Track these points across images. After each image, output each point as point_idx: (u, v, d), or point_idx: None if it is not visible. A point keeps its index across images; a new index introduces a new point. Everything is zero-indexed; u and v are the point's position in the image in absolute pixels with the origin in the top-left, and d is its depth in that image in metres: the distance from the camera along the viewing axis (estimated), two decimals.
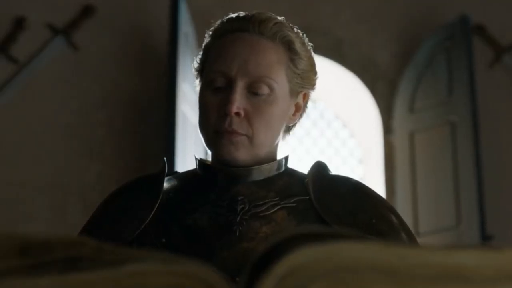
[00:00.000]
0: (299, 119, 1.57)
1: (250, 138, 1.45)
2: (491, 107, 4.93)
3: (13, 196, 4.45)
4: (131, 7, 4.79)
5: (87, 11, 4.73)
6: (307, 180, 1.50)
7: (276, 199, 1.46)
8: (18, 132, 4.56)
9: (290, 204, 1.46)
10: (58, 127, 4.59)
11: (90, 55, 4.70)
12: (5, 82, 4.60)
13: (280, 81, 1.48)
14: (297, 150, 5.24)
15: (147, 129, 4.64)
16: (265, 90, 1.46)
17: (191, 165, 1.58)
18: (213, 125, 1.45)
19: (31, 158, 4.52)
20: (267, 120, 1.46)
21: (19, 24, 4.65)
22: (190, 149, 4.12)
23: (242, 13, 1.53)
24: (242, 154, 1.45)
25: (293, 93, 1.51)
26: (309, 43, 1.56)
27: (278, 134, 1.50)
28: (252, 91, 1.45)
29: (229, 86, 1.45)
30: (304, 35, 1.56)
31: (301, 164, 5.08)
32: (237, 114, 1.44)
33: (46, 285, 0.58)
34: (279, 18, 1.53)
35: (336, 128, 5.35)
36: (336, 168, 5.16)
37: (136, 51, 4.75)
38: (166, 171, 1.52)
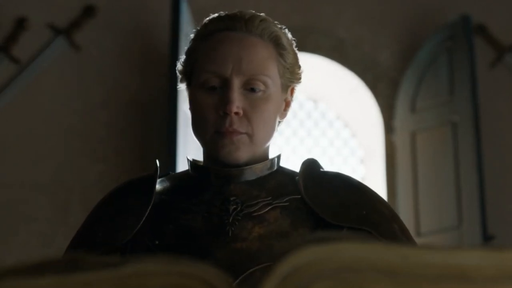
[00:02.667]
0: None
1: (250, 136, 1.45)
2: (493, 107, 4.93)
3: (14, 196, 4.45)
4: (133, 7, 4.79)
5: (88, 11, 4.73)
6: (297, 178, 1.50)
7: (269, 198, 1.46)
8: (20, 132, 4.56)
9: (283, 203, 1.46)
10: (59, 127, 4.59)
11: (91, 55, 4.70)
12: (7, 83, 4.61)
13: (273, 77, 1.48)
14: (298, 150, 5.24)
15: (149, 129, 4.64)
16: (260, 86, 1.46)
17: None
18: (212, 126, 1.45)
19: (32, 158, 4.53)
20: (265, 117, 1.46)
21: (20, 24, 4.65)
22: (191, 149, 4.13)
23: (223, 13, 1.53)
24: (243, 153, 1.45)
25: (284, 88, 1.52)
26: (292, 38, 1.56)
27: (274, 130, 1.51)
28: (247, 88, 1.46)
29: (225, 86, 1.45)
30: (286, 29, 1.56)
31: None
32: (236, 113, 1.44)
33: (47, 285, 0.58)
34: (262, 14, 1.53)
35: (337, 128, 5.35)
36: (337, 168, 5.16)
37: (138, 51, 4.76)
38: (158, 173, 1.52)
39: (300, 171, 1.52)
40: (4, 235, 4.41)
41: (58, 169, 4.53)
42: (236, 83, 1.45)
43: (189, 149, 4.13)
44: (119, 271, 0.59)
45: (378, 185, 4.85)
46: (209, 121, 1.45)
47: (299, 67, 1.56)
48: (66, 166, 4.55)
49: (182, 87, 1.56)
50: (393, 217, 1.49)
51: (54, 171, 4.53)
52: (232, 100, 1.43)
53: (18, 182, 4.48)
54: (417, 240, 1.63)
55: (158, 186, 1.51)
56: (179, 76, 1.55)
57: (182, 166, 3.95)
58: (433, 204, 4.67)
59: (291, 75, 1.53)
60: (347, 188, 1.50)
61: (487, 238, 4.36)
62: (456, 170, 4.59)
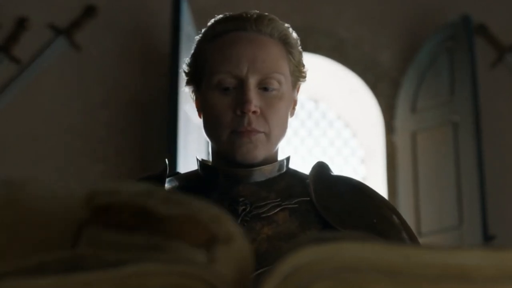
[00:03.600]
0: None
1: (268, 135, 1.46)
2: (493, 107, 4.93)
3: None
4: (133, 7, 4.79)
5: (89, 11, 4.73)
6: (308, 180, 1.50)
7: (278, 200, 1.46)
8: (20, 132, 4.56)
9: (292, 205, 1.46)
10: (60, 127, 4.59)
11: (92, 55, 4.71)
12: (8, 83, 4.61)
13: (286, 75, 1.49)
14: (299, 150, 5.25)
15: (149, 129, 4.64)
16: (274, 85, 1.47)
17: (193, 165, 1.58)
18: (229, 126, 1.45)
19: (33, 158, 4.53)
20: (280, 115, 1.47)
21: (21, 24, 4.65)
22: (192, 149, 4.13)
23: (228, 14, 1.53)
24: (260, 152, 1.45)
25: (293, 86, 1.53)
26: (297, 37, 1.56)
27: (287, 129, 1.51)
28: (262, 88, 1.46)
29: (240, 86, 1.45)
30: (290, 28, 1.56)
31: (304, 164, 5.08)
32: (254, 112, 1.44)
33: (47, 285, 0.58)
34: (268, 14, 1.54)
35: (338, 128, 5.35)
36: (338, 168, 5.16)
37: (138, 51, 4.76)
38: (168, 172, 1.52)
39: (310, 174, 1.52)
40: None
41: (58, 169, 4.53)
42: (252, 83, 1.45)
43: (190, 149, 4.13)
44: (119, 271, 0.59)
45: (379, 185, 4.85)
46: (225, 121, 1.45)
47: (303, 65, 1.56)
48: (67, 166, 4.55)
49: (186, 89, 1.56)
50: (403, 226, 1.49)
51: (55, 171, 4.52)
52: (250, 99, 1.43)
53: None
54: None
55: (166, 185, 1.51)
56: (185, 78, 1.55)
57: (183, 166, 3.95)
58: (434, 204, 4.67)
59: (299, 72, 1.54)
60: (357, 195, 1.50)
61: (487, 238, 4.36)
62: (456, 170, 4.59)
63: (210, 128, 1.49)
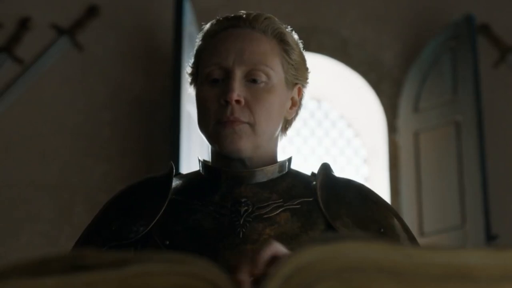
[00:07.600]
0: (295, 116, 1.58)
1: (252, 126, 1.45)
2: (496, 107, 4.92)
3: (18, 195, 4.46)
4: (136, 7, 4.79)
5: (91, 11, 4.73)
6: (315, 183, 1.50)
7: (280, 200, 1.46)
8: (24, 132, 4.56)
9: (294, 206, 1.46)
10: (63, 127, 4.60)
11: (94, 55, 4.71)
12: (11, 83, 4.61)
13: (276, 70, 1.49)
14: (302, 150, 5.24)
15: (152, 129, 4.64)
16: (262, 77, 1.47)
17: (196, 165, 1.58)
18: (214, 116, 1.46)
19: (36, 158, 4.53)
20: (267, 108, 1.47)
21: (24, 24, 4.65)
22: (195, 149, 4.13)
23: (230, 14, 1.55)
24: (245, 143, 1.45)
25: (289, 84, 1.52)
26: (299, 39, 1.57)
27: (278, 125, 1.51)
28: (249, 79, 1.47)
29: (227, 77, 1.46)
30: (293, 31, 1.57)
31: (306, 164, 5.08)
32: (238, 102, 1.44)
33: (52, 285, 0.58)
34: (268, 14, 1.54)
35: (340, 127, 5.34)
36: (341, 168, 5.16)
37: (141, 51, 4.76)
38: (174, 173, 1.52)
39: (317, 176, 1.52)
40: (8, 235, 4.41)
41: (62, 169, 4.53)
42: (238, 74, 1.46)
43: (193, 149, 4.13)
44: (122, 271, 0.59)
45: (382, 185, 4.85)
46: (211, 111, 1.46)
47: (307, 68, 1.56)
48: (70, 166, 4.55)
49: (190, 89, 1.57)
50: (406, 232, 1.49)
51: (58, 171, 4.53)
52: (232, 89, 1.44)
53: (21, 182, 4.48)
54: (421, 240, 1.63)
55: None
56: (189, 78, 1.56)
57: (185, 166, 3.95)
58: (437, 203, 4.67)
59: (296, 72, 1.53)
60: (364, 201, 1.50)
61: (490, 238, 4.36)
62: (459, 170, 4.58)
63: (200, 120, 1.51)
